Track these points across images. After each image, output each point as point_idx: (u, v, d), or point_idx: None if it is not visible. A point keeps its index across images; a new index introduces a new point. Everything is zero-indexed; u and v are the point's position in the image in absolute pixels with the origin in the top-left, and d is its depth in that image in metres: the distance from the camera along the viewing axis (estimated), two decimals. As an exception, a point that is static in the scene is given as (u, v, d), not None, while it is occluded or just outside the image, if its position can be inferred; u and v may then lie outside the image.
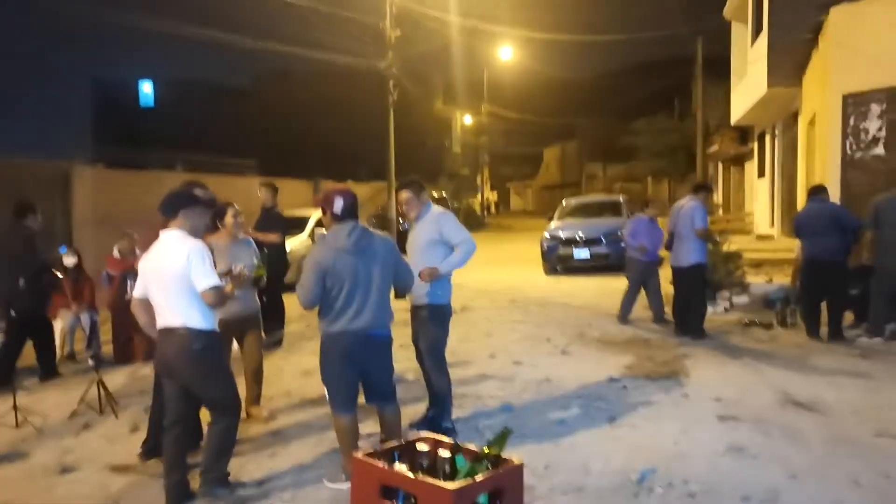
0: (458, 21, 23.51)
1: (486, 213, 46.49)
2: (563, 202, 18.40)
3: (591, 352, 7.92)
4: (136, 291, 4.20)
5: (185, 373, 4.01)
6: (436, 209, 5.29)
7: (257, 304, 5.81)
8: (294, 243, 12.20)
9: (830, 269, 7.78)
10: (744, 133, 23.84)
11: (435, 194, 26.20)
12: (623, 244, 15.06)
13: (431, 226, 5.15)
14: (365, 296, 4.16)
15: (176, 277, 3.92)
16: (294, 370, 7.31)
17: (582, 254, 15.17)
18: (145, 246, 4.36)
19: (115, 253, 8.29)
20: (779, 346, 7.85)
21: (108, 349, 8.20)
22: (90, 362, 6.45)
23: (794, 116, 14.95)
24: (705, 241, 8.41)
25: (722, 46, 23.82)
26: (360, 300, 4.14)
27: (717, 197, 27.36)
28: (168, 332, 4.01)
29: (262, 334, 6.03)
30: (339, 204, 4.21)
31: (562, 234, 15.57)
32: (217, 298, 3.95)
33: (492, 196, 59.73)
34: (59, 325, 8.10)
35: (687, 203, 8.39)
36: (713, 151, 27.12)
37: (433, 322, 5.20)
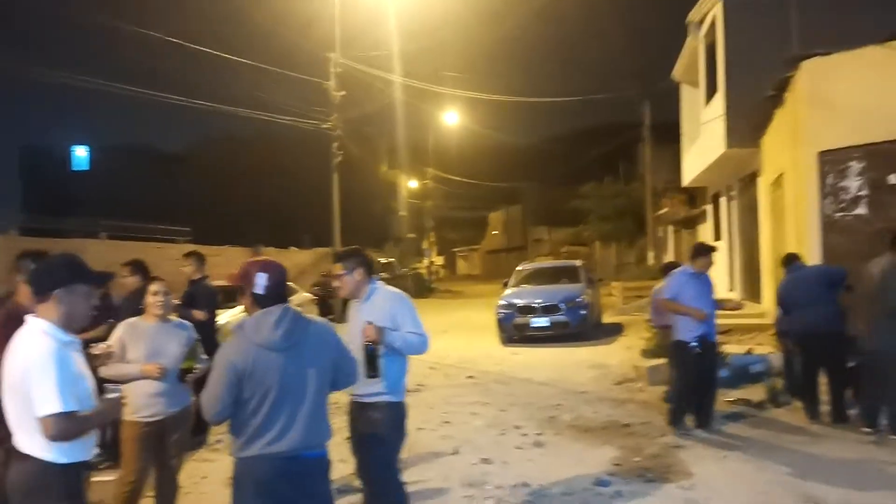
0: (403, 83, 23.04)
1: (432, 277, 45.57)
2: (518, 268, 17.61)
3: (568, 442, 6.89)
4: None
5: None
6: (387, 290, 4.28)
7: (188, 402, 4.64)
8: (230, 316, 10.94)
9: (829, 340, 6.95)
10: (692, 195, 23.65)
11: (382, 260, 25.20)
12: (585, 311, 14.45)
13: (381, 311, 4.12)
14: (295, 407, 3.05)
15: (12, 389, 2.83)
16: (220, 477, 5.97)
17: (540, 322, 14.29)
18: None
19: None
20: (778, 431, 6.91)
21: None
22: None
23: (752, 177, 14.54)
24: (696, 315, 6.77)
25: (667, 110, 23.82)
26: (288, 413, 3.03)
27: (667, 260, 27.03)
28: (17, 455, 2.90)
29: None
30: (261, 281, 3.13)
31: (518, 302, 14.70)
32: (59, 430, 2.78)
33: (437, 261, 59.03)
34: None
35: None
36: (662, 214, 26.91)
37: (390, 425, 4.12)
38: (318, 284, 21.20)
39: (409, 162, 46.37)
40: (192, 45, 16.04)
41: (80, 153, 49.09)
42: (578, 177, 37.79)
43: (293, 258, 22.46)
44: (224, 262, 14.97)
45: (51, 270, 3.04)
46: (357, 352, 3.90)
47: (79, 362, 2.99)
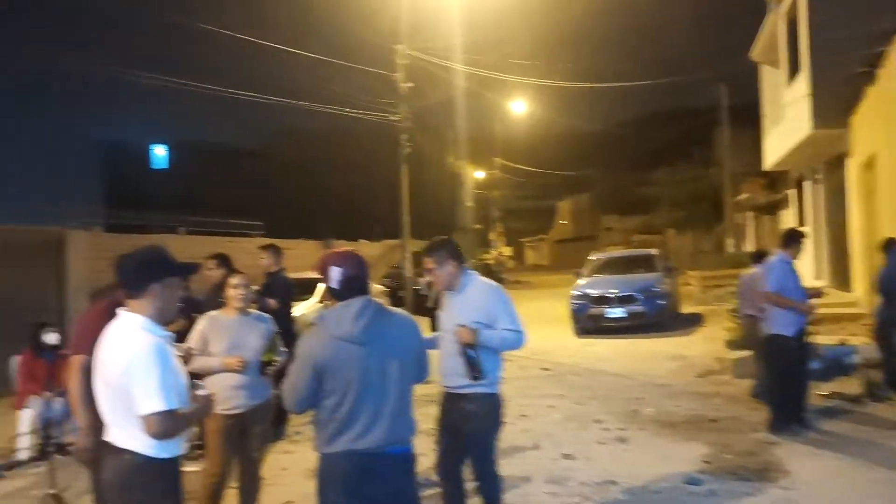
0: (469, 73, 22.87)
1: (500, 268, 45.28)
2: (592, 257, 17.26)
3: (653, 437, 6.65)
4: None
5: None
6: (482, 282, 4.16)
7: (269, 394, 4.66)
8: (306, 308, 11.08)
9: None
10: (772, 180, 22.75)
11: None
12: (663, 301, 13.99)
13: (475, 304, 4.01)
14: (379, 402, 2.95)
15: (109, 385, 2.79)
16: (300, 469, 5.99)
17: (616, 312, 13.95)
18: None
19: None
20: (878, 427, 6.52)
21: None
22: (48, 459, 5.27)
23: (839, 159, 13.84)
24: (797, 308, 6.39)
25: (744, 92, 22.96)
26: (371, 409, 2.93)
27: (749, 248, 26.09)
28: (109, 448, 2.86)
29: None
30: (335, 275, 3.04)
31: (592, 292, 14.39)
32: (163, 428, 2.73)
33: (505, 251, 58.67)
34: (27, 415, 6.92)
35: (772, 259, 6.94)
36: (741, 200, 25.98)
37: (485, 416, 4.06)
38: (388, 276, 21.30)
39: (477, 152, 46.13)
40: (263, 42, 16.27)
41: (159, 152, 50.68)
42: (649, 162, 36.95)
43: (363, 250, 22.49)
44: (296, 256, 15.14)
45: (145, 264, 2.96)
46: (451, 343, 3.91)
47: (175, 358, 2.95)
